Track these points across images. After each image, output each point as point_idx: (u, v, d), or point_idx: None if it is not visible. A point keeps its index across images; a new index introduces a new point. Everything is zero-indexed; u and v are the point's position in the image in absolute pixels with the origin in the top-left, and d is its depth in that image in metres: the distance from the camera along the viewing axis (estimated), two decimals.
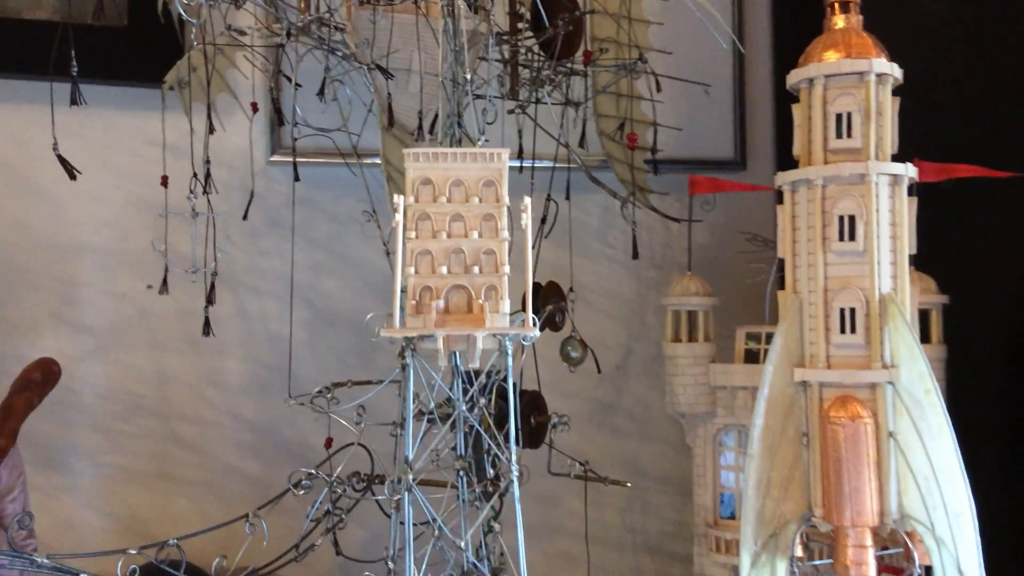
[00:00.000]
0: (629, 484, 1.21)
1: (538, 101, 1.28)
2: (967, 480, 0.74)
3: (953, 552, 0.74)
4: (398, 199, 0.68)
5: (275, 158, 1.44)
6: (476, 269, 0.72)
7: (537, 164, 1.23)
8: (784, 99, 1.61)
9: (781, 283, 0.94)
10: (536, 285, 1.19)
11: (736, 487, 1.30)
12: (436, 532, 0.88)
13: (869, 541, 0.76)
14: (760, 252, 1.35)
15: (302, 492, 1.03)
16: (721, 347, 1.34)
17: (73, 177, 0.90)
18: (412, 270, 0.71)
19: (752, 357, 1.26)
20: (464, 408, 0.79)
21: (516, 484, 0.82)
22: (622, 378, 1.66)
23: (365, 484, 1.13)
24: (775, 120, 1.65)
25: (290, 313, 1.30)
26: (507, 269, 0.72)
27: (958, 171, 1.05)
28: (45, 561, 0.81)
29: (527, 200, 0.72)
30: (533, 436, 1.15)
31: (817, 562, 0.82)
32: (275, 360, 1.48)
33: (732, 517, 1.30)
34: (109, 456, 1.40)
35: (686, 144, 1.58)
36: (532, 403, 1.15)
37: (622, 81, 1.38)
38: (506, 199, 0.72)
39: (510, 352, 0.74)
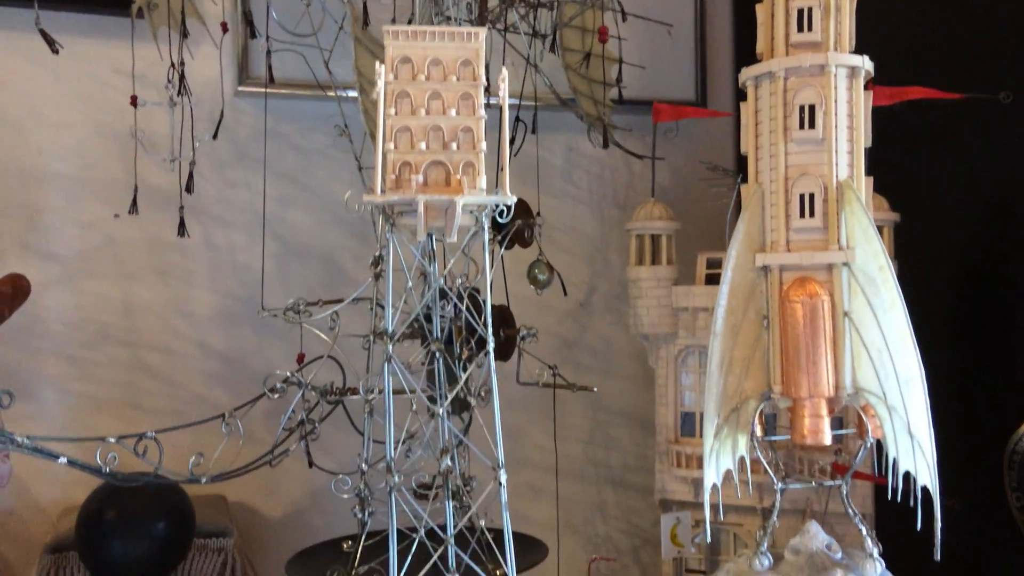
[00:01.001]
0: (596, 389, 1.24)
1: (507, 28, 1.31)
2: (917, 347, 0.78)
3: (904, 417, 0.79)
4: (379, 67, 0.70)
5: (243, 88, 1.45)
6: (454, 146, 0.74)
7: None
8: (744, 41, 1.66)
9: (738, 209, 0.98)
10: None
11: (696, 406, 1.34)
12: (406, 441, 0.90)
13: (824, 411, 0.81)
14: (720, 179, 1.39)
15: (276, 396, 1.05)
16: (683, 275, 1.38)
17: (55, 51, 0.90)
18: (392, 146, 0.74)
19: (713, 281, 1.30)
20: (441, 281, 0.82)
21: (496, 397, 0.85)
22: (586, 315, 1.70)
23: (337, 396, 1.15)
24: (734, 61, 1.69)
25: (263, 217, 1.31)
26: (484, 146, 0.75)
27: (910, 93, 1.10)
28: (25, 440, 0.82)
29: (504, 72, 0.74)
30: (502, 349, 1.18)
31: (775, 437, 0.86)
32: (243, 291, 1.49)
33: (692, 435, 1.35)
34: (77, 384, 1.40)
35: (648, 84, 1.62)
36: (500, 317, 1.18)
37: (587, 16, 1.41)
38: (483, 78, 0.75)
39: (486, 227, 0.76)
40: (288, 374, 1.05)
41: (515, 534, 1.25)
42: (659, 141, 1.43)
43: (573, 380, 1.69)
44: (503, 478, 0.79)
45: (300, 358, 1.18)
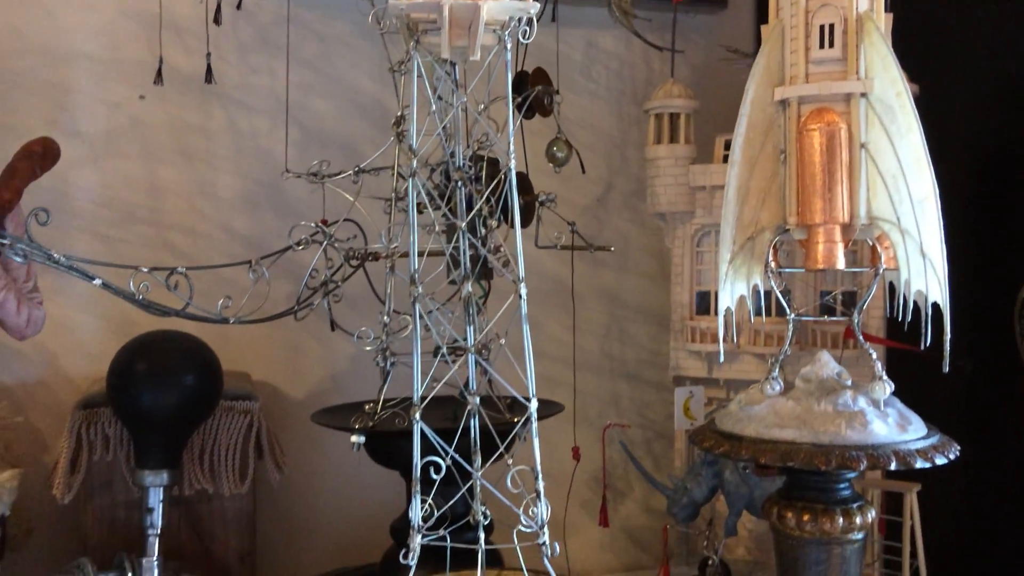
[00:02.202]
0: (612, 248, 1.26)
1: None
2: (931, 166, 0.79)
3: (917, 238, 0.80)
4: None
5: None
6: None
7: None
8: None
9: None
10: (522, 72, 1.23)
11: (711, 285, 1.36)
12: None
13: (839, 237, 0.82)
14: (740, 59, 1.40)
15: (300, 248, 1.07)
16: (700, 159, 1.39)
17: None
18: None
19: None
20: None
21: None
22: (603, 211, 1.71)
23: (359, 260, 1.17)
24: None
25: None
26: None
27: None
28: (62, 258, 0.85)
29: None
30: (521, 215, 1.19)
31: (789, 269, 0.88)
32: (265, 177, 1.51)
33: (707, 313, 1.37)
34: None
35: None
36: (520, 183, 1.19)
37: None
38: None
39: (508, 47, 0.78)
40: (313, 224, 1.07)
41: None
42: (679, 37, 1.44)
43: (591, 276, 1.72)
44: (523, 291, 0.81)
45: (323, 222, 1.20)
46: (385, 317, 1.10)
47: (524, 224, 1.21)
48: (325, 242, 1.07)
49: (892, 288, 0.89)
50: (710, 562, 1.22)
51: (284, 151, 1.38)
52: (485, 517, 0.83)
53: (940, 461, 0.81)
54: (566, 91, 1.51)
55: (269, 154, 1.50)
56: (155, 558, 1.13)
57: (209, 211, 1.49)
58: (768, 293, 0.89)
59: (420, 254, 0.87)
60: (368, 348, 1.09)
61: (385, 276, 1.13)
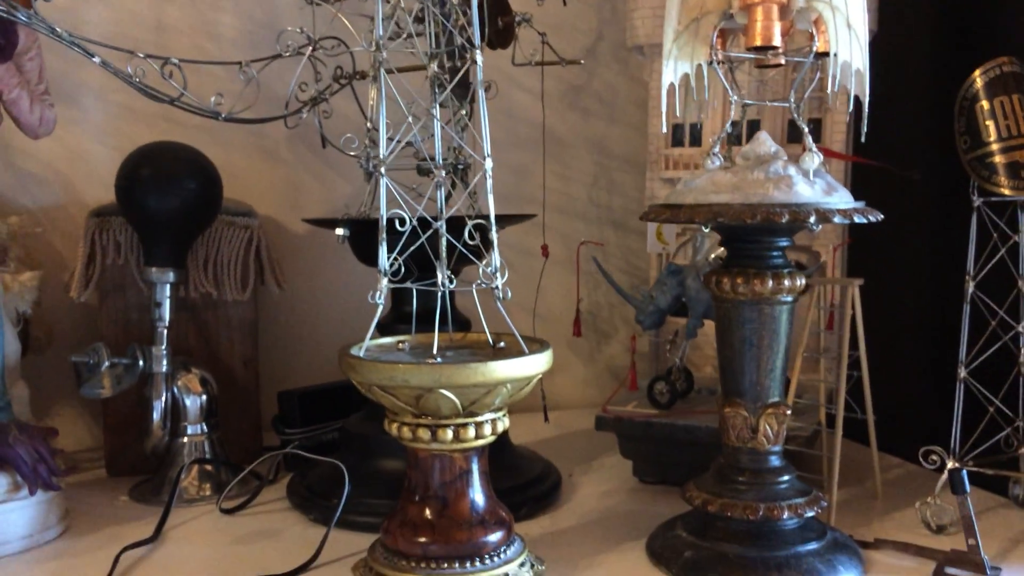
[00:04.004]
0: (583, 61, 1.33)
1: None
2: None
3: (844, 12, 0.87)
4: None
5: None
6: None
7: None
8: None
9: None
10: None
11: (685, 119, 1.43)
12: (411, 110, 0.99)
13: (776, 16, 0.89)
14: None
15: (289, 54, 1.15)
16: None
17: None
18: None
19: None
20: None
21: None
22: (592, 62, 1.77)
23: (348, 77, 1.25)
24: None
25: None
26: None
27: None
28: (65, 33, 0.93)
29: None
30: (500, 36, 1.27)
31: (735, 54, 0.95)
32: (267, 18, 1.58)
33: (681, 144, 1.44)
34: (115, 95, 1.52)
35: None
36: (496, 4, 1.26)
37: None
38: None
39: None
40: (299, 30, 1.15)
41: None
42: None
43: (580, 126, 1.79)
44: (489, 166, 0.88)
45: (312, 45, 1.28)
46: (368, 123, 1.18)
47: (504, 45, 1.28)
48: (310, 50, 1.15)
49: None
50: (673, 367, 1.32)
51: None
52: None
53: (859, 220, 0.89)
54: None
55: None
56: (163, 347, 1.24)
57: (212, 50, 1.57)
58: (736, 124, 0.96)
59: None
60: (352, 155, 1.17)
61: (368, 85, 1.21)
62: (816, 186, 0.91)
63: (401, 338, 0.94)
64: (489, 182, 0.89)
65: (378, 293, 0.87)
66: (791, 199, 0.88)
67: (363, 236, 1.18)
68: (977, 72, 1.06)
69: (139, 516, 1.15)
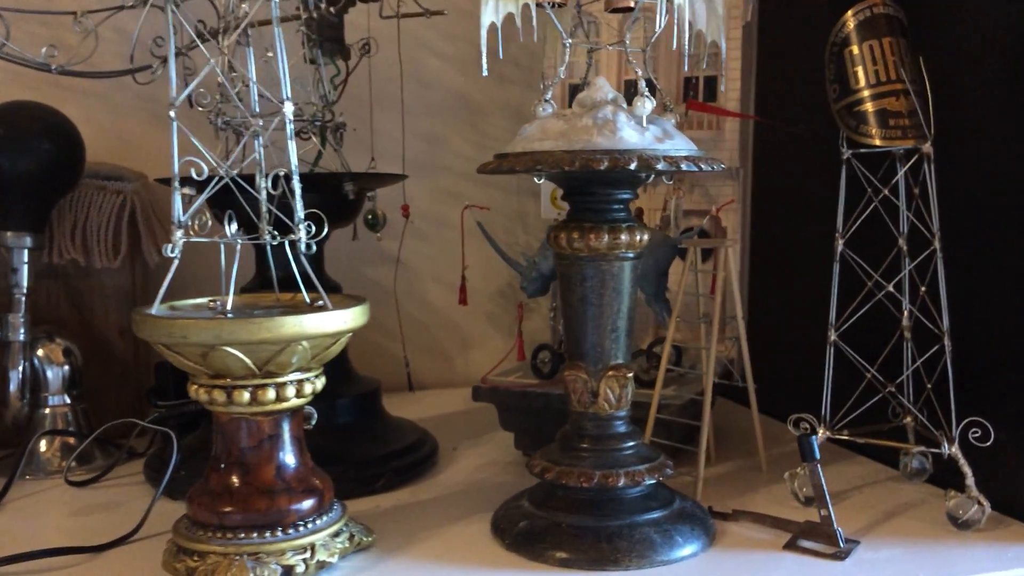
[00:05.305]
0: (446, 12, 1.28)
1: None
2: None
3: None
4: None
5: None
6: None
7: None
8: None
9: None
10: None
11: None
12: None
13: None
14: None
15: (132, 5, 1.10)
16: None
17: None
18: None
19: None
20: None
21: None
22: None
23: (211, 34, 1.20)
24: None
25: None
26: None
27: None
28: None
29: None
30: None
31: None
32: None
33: None
34: None
35: None
36: None
37: None
38: None
39: None
40: None
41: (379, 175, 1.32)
42: None
43: (496, 92, 1.74)
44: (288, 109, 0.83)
45: None
46: (220, 78, 1.13)
47: None
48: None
49: None
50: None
51: None
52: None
53: (687, 168, 0.83)
54: None
55: None
56: (20, 315, 1.19)
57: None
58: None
59: None
60: (201, 109, 1.12)
61: (220, 40, 1.15)
62: (648, 133, 0.85)
63: (215, 298, 0.89)
64: (289, 127, 0.84)
65: (172, 247, 0.82)
66: (614, 145, 0.82)
67: (216, 196, 1.13)
68: (849, 13, 1.00)
69: None
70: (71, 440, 1.21)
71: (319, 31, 1.22)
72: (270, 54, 0.93)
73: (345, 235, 1.39)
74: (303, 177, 1.16)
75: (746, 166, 1.36)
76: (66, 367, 1.23)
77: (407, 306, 1.77)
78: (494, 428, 1.35)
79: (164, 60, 1.16)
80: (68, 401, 1.23)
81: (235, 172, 1.02)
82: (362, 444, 1.15)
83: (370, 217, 1.37)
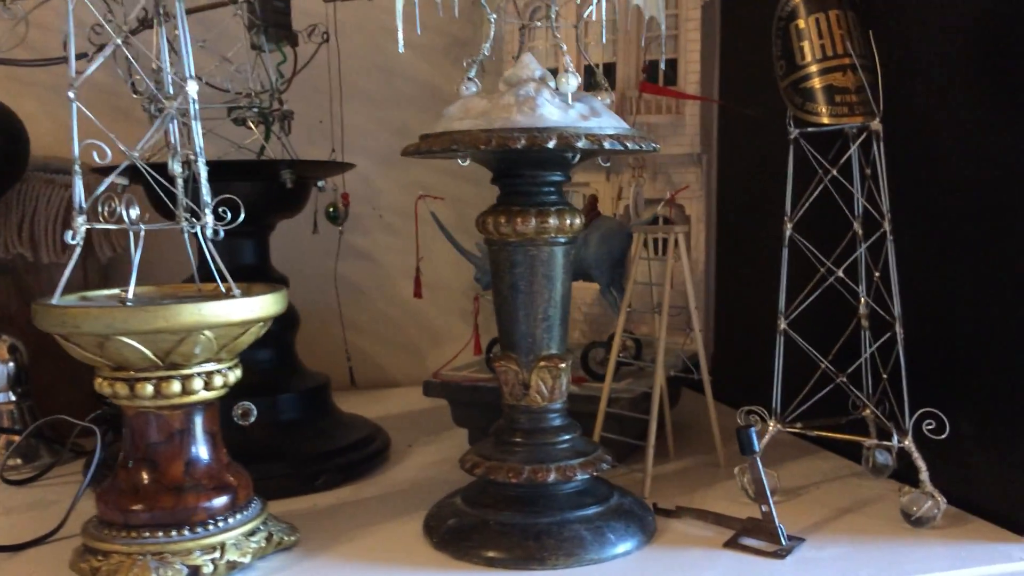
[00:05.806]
0: None
1: None
2: None
3: None
4: None
5: None
6: None
7: None
8: None
9: None
10: None
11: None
12: None
13: None
14: None
15: None
16: None
17: None
18: None
19: None
20: None
21: None
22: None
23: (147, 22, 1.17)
24: None
25: None
26: None
27: None
28: None
29: None
30: None
31: None
32: None
33: None
34: None
35: None
36: None
37: None
38: None
39: None
40: None
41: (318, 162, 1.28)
42: None
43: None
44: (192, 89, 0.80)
45: None
46: (155, 64, 1.10)
47: None
48: None
49: None
50: None
51: None
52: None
53: (610, 146, 0.79)
54: None
55: None
56: None
57: None
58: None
59: None
60: (136, 96, 1.09)
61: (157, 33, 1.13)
62: (572, 111, 0.81)
63: (125, 288, 0.86)
64: (193, 108, 0.81)
65: (74, 235, 0.79)
66: (533, 123, 0.78)
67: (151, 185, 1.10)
68: None
69: None
70: (15, 438, 1.19)
71: (263, 16, 1.19)
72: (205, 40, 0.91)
73: (307, 228, 1.37)
74: (238, 165, 1.14)
75: (710, 152, 1.32)
76: (11, 364, 1.20)
77: (377, 301, 1.74)
78: (453, 425, 1.31)
79: (100, 48, 1.13)
80: (13, 398, 1.21)
81: (153, 157, 1.00)
82: (305, 441, 1.12)
83: (331, 210, 1.34)
